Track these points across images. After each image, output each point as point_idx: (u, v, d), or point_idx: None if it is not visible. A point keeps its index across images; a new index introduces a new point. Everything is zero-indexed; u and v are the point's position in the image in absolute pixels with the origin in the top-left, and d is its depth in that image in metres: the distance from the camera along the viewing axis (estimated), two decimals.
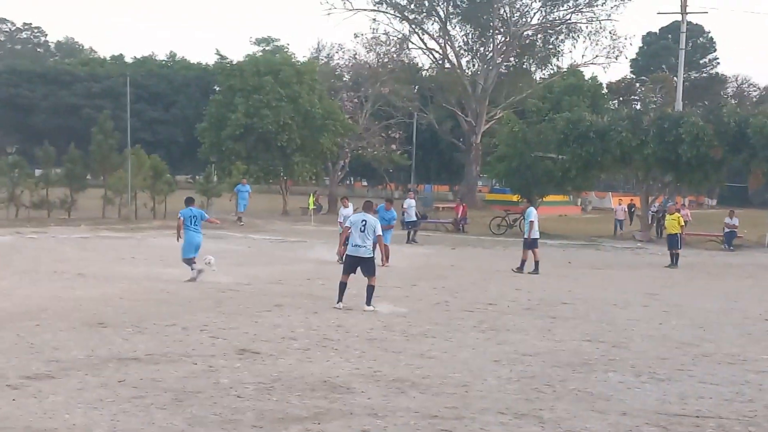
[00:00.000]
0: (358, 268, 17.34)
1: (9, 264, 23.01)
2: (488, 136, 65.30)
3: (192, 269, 21.01)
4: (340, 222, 26.90)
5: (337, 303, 17.16)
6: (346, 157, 60.11)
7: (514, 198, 49.96)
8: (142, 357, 11.94)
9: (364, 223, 17.35)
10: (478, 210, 58.81)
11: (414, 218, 36.63)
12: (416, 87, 72.73)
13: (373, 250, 17.44)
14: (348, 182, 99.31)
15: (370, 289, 17.25)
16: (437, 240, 37.79)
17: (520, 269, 25.37)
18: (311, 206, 49.21)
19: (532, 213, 26.04)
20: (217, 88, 64.88)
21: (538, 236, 26.12)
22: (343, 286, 17.32)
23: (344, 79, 67.92)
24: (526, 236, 25.89)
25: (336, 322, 15.42)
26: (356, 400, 10.07)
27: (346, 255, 17.53)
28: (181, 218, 21.45)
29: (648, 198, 44.58)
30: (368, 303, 17.15)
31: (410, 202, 36.79)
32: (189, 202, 22.29)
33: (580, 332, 15.20)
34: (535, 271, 25.15)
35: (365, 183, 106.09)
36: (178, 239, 21.45)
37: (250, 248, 30.90)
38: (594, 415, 9.79)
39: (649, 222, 44.26)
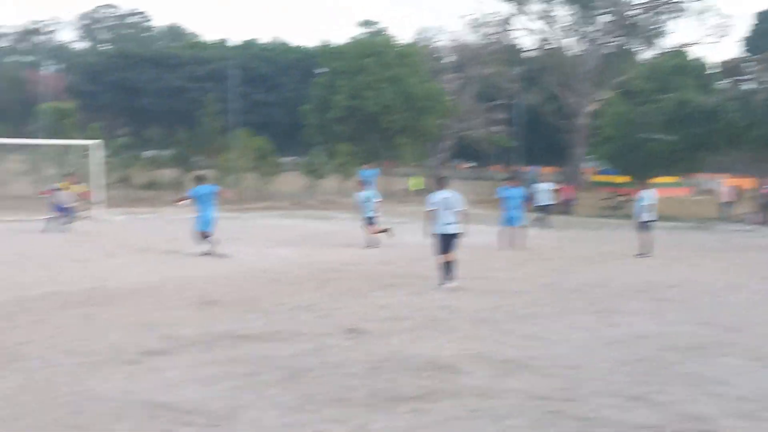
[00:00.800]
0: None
1: (123, 243, 23.58)
2: (593, 118, 64.56)
3: (205, 244, 21.89)
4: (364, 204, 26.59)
5: (444, 283, 17.20)
6: (448, 138, 60.01)
7: (621, 179, 49.33)
8: (253, 335, 12.12)
9: (448, 200, 17.43)
10: (584, 191, 58.19)
11: (547, 202, 35.87)
12: (520, 68, 72.18)
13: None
14: (451, 164, 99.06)
15: (450, 265, 17.32)
16: (534, 221, 37.48)
17: (644, 254, 24.82)
18: (419, 186, 49.28)
19: (648, 195, 25.47)
20: (320, 71, 65.31)
21: (649, 219, 25.48)
22: (443, 266, 17.38)
23: (447, 60, 67.76)
24: (639, 219, 25.37)
25: (443, 302, 15.42)
26: (464, 381, 10.06)
27: (437, 234, 17.49)
28: (189, 197, 22.65)
29: (761, 180, 43.48)
30: (449, 279, 17.23)
31: (542, 186, 36.30)
32: (199, 179, 23.57)
33: (692, 315, 14.91)
34: (643, 254, 24.75)
35: (467, 164, 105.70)
36: (180, 205, 23.67)
37: (356, 229, 31.04)
38: (708, 398, 9.59)
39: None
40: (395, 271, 19.49)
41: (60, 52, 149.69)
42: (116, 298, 14.83)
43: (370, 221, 25.93)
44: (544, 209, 35.24)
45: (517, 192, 26.59)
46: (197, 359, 10.64)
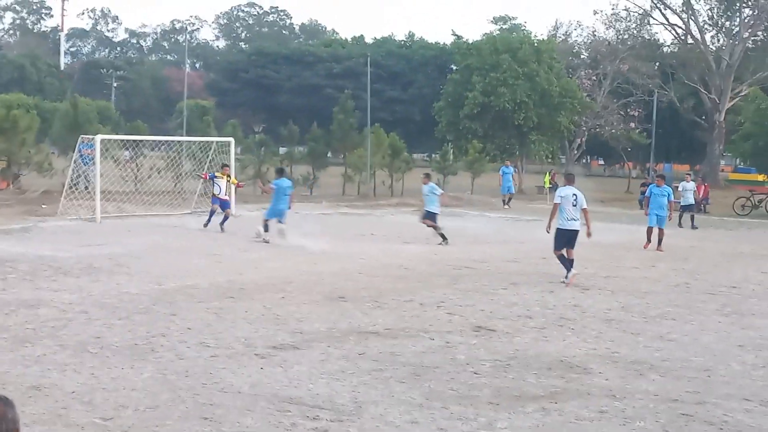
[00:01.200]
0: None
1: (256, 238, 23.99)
2: (733, 114, 62.82)
3: (263, 230, 23.47)
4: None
5: (570, 274, 17.38)
6: (582, 135, 59.33)
7: (760, 178, 48.01)
8: (381, 331, 12.22)
9: (575, 197, 17.65)
10: (720, 190, 56.68)
11: (691, 202, 33.99)
12: (657, 64, 70.77)
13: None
14: (584, 161, 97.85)
15: (571, 263, 17.49)
16: (677, 220, 36.68)
17: None
18: (547, 185, 48.89)
19: None
20: (455, 67, 65.36)
21: None
22: (563, 258, 17.59)
23: (582, 56, 66.96)
24: None
25: (572, 301, 15.29)
26: (593, 381, 9.97)
27: (560, 229, 17.72)
28: (273, 186, 24.23)
29: None
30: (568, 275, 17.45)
31: (686, 185, 34.90)
32: (279, 173, 25.39)
33: None
34: None
35: (602, 162, 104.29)
36: (261, 192, 25.68)
37: (486, 226, 30.98)
38: None
39: None
40: (524, 268, 19.35)
41: (200, 51, 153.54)
42: (248, 292, 15.11)
43: (428, 215, 25.04)
44: (689, 208, 34.05)
45: (665, 191, 25.44)
46: (325, 354, 10.78)
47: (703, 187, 44.43)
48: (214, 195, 26.45)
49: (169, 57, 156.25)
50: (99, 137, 29.39)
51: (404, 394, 9.17)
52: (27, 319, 12.23)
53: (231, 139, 33.74)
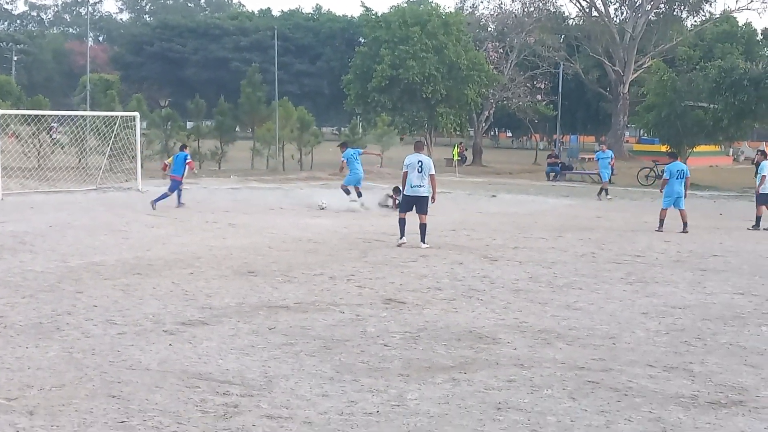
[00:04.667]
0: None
1: (164, 213, 23.74)
2: (636, 86, 63.82)
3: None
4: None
5: (401, 239, 18.42)
6: (490, 108, 59.71)
7: (662, 148, 48.94)
8: (291, 305, 12.18)
9: (420, 163, 18.33)
10: (625, 161, 57.70)
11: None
12: (562, 36, 71.48)
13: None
14: (492, 133, 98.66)
15: (423, 228, 18.36)
16: (583, 191, 37.25)
17: (756, 227, 24.40)
18: (455, 157, 49.21)
19: (766, 167, 24.78)
20: (363, 40, 65.18)
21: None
22: (403, 222, 18.57)
23: (489, 29, 67.26)
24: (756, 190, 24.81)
25: (481, 272, 15.41)
26: (502, 351, 10.07)
27: (404, 195, 18.62)
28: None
29: None
30: (423, 240, 18.29)
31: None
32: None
33: (732, 285, 14.81)
34: (756, 227, 24.23)
35: (509, 134, 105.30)
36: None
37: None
38: (747, 369, 9.55)
39: None
40: (433, 240, 19.32)
41: (103, 24, 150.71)
42: (156, 268, 14.94)
43: None
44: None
45: (680, 166, 23.75)
46: (235, 329, 10.72)
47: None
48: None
49: (71, 30, 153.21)
50: None
51: (315, 368, 9.16)
52: None
53: (136, 114, 33.33)
